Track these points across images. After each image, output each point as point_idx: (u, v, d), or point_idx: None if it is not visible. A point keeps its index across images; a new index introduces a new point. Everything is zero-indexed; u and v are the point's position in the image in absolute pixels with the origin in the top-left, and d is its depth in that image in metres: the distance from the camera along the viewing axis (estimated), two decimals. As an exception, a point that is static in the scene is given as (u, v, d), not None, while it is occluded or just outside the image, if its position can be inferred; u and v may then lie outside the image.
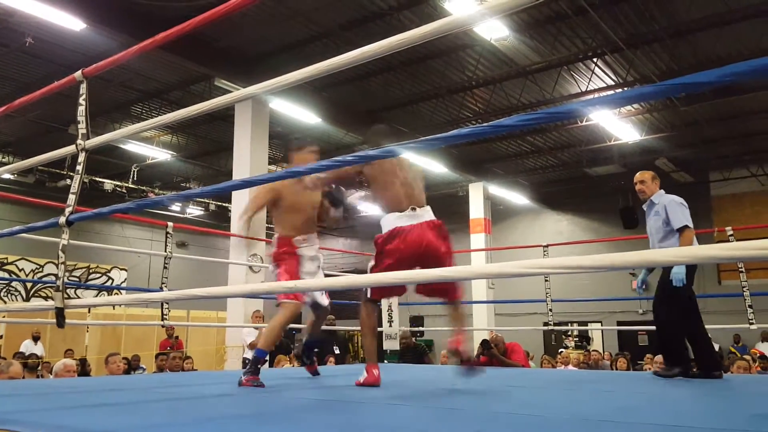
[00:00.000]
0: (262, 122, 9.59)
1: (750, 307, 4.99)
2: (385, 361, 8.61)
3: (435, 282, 3.00)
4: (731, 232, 5.14)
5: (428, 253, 3.00)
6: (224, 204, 15.56)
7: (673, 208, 3.76)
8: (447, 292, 3.16)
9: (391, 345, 8.80)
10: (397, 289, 3.45)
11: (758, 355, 8.03)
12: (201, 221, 17.84)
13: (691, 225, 3.72)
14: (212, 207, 16.41)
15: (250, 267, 8.45)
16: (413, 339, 9.23)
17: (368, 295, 3.22)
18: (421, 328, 13.55)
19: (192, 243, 18.35)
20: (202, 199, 16.04)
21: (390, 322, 7.68)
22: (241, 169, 9.20)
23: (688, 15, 7.89)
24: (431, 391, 3.19)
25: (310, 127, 11.40)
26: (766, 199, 13.64)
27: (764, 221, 11.82)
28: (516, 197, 15.75)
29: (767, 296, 8.72)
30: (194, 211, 17.54)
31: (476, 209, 14.71)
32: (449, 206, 17.87)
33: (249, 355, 7.93)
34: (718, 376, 3.64)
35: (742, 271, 5.08)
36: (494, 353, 6.47)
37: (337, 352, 9.23)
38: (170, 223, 5.06)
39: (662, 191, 3.93)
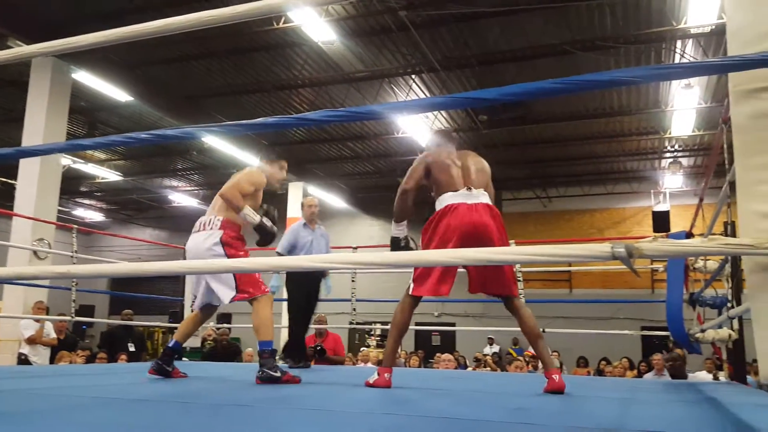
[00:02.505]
0: (62, 93, 8.63)
1: (524, 312, 5.54)
2: (185, 359, 8.20)
3: (481, 267, 2.77)
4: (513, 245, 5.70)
5: (481, 234, 2.76)
6: (9, 180, 13.63)
7: (328, 240, 5.19)
8: (500, 285, 2.89)
9: (190, 342, 8.39)
10: (444, 285, 2.88)
11: (530, 356, 8.95)
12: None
13: None
14: (-6, 182, 14.33)
15: (35, 252, 7.51)
16: (227, 337, 8.88)
17: (410, 291, 2.88)
18: (227, 325, 13.14)
19: (-35, 222, 15.86)
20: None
21: (192, 318, 7.33)
22: (32, 143, 8.12)
23: (496, 47, 8.64)
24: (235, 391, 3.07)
25: (121, 105, 10.55)
26: (547, 219, 15.53)
27: (544, 238, 13.36)
28: (334, 200, 16.02)
29: (537, 303, 9.93)
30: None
31: (295, 208, 14.68)
32: (267, 203, 17.67)
33: (26, 350, 7.05)
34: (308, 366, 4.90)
35: (520, 280, 5.66)
36: (329, 356, 6.25)
37: (132, 349, 8.59)
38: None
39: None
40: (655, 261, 6.25)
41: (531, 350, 11.02)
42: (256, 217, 3.28)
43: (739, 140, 1.36)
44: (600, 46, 8.29)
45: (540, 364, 7.77)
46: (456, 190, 2.88)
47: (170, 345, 3.32)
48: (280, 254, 4.94)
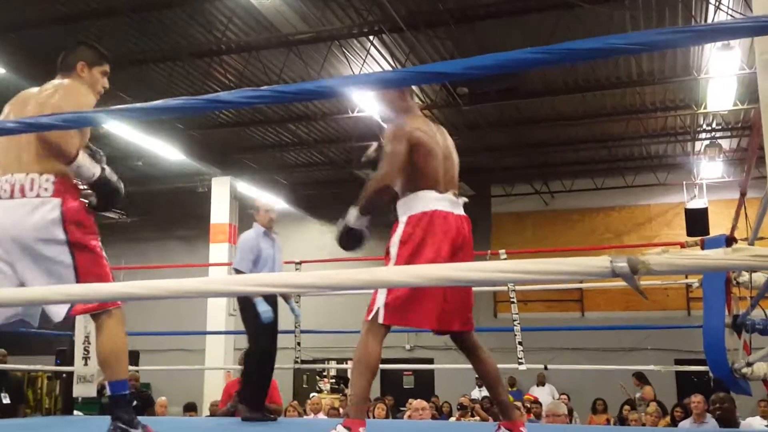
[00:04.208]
0: None
1: (520, 344, 5.49)
2: (77, 413, 8.03)
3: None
4: (505, 256, 5.66)
5: (463, 251, 2.85)
6: None
7: (281, 251, 5.28)
8: (466, 319, 2.97)
9: (84, 390, 8.22)
10: (425, 314, 2.86)
11: (531, 400, 9.02)
12: None
13: None
14: None
15: None
16: (137, 383, 8.80)
17: (380, 319, 2.78)
18: (135, 368, 12.92)
19: None
20: None
21: (85, 358, 7.19)
22: None
23: (478, -1, 8.71)
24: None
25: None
26: (550, 221, 15.53)
27: (546, 245, 13.38)
28: (272, 199, 15.91)
29: (539, 331, 9.82)
30: None
31: (220, 212, 14.52)
32: (185, 205, 17.24)
33: None
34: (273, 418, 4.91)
35: (513, 302, 5.62)
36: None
37: (6, 401, 8.43)
38: None
39: None
40: (690, 275, 6.37)
41: (532, 394, 11.15)
42: (95, 166, 2.75)
43: (768, 119, 1.40)
44: (612, -6, 8.39)
45: (543, 411, 7.86)
46: (440, 191, 2.93)
47: None
48: (239, 272, 4.94)
